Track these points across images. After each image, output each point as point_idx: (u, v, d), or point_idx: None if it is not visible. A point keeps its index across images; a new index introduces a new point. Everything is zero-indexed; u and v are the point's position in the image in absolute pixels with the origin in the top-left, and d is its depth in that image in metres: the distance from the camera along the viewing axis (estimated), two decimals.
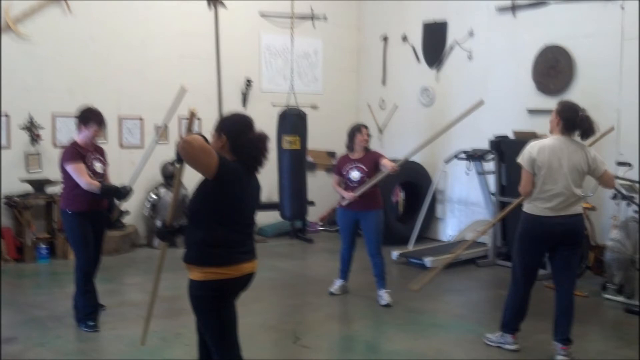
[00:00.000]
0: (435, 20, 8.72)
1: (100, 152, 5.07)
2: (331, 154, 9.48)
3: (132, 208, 7.68)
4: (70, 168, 4.76)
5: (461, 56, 8.38)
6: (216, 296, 3.00)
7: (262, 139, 3.10)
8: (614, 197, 5.96)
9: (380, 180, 5.66)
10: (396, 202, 8.82)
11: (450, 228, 8.64)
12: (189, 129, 2.96)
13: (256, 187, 3.20)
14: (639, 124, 6.39)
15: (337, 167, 5.96)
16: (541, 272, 4.83)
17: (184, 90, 4.99)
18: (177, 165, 3.07)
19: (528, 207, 4.36)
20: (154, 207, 8.12)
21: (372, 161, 5.71)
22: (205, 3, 8.64)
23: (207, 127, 3.76)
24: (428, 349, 4.62)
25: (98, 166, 4.95)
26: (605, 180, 4.41)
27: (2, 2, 7.22)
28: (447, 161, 7.76)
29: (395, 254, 7.34)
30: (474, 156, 7.40)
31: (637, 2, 6.43)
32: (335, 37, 9.71)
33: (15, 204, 7.16)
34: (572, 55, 7.06)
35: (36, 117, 7.44)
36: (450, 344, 4.78)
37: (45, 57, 7.51)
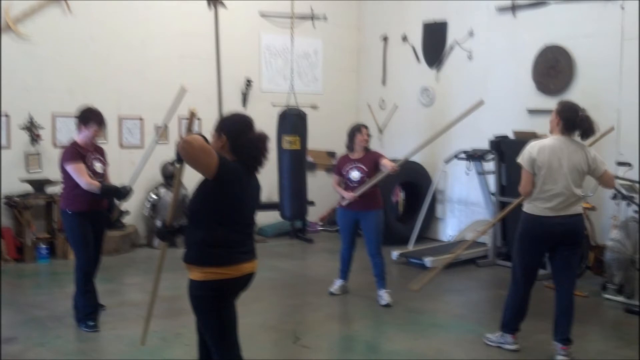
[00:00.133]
0: (435, 20, 8.72)
1: (100, 152, 5.07)
2: (331, 154, 9.48)
3: (132, 208, 7.68)
4: (70, 168, 4.76)
5: (461, 56, 8.38)
6: (216, 296, 3.00)
7: (262, 139, 3.10)
8: (614, 197, 5.96)
9: (380, 180, 5.66)
10: (396, 202, 8.82)
11: (450, 228, 8.64)
12: (189, 129, 2.96)
13: (256, 187, 3.20)
14: (639, 124, 6.39)
15: (337, 167, 5.96)
16: (541, 272, 4.83)
17: (184, 90, 4.99)
18: (177, 165, 3.07)
19: (528, 207, 4.36)
20: (154, 207, 8.12)
21: (372, 161, 5.71)
22: (205, 3, 8.64)
23: (207, 127, 3.76)
24: (428, 349, 4.62)
25: (98, 166, 4.95)
26: (605, 180, 4.41)
27: (2, 2, 7.22)
28: (447, 161, 7.76)
29: (395, 254, 7.34)
30: (474, 156, 7.40)
31: (637, 2, 6.43)
32: (335, 37, 9.71)
33: (15, 204, 7.16)
34: (572, 55, 7.06)
35: (36, 117, 7.44)
36: (450, 344, 4.78)
37: (45, 57, 7.51)
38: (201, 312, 3.04)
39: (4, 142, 7.30)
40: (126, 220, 7.54)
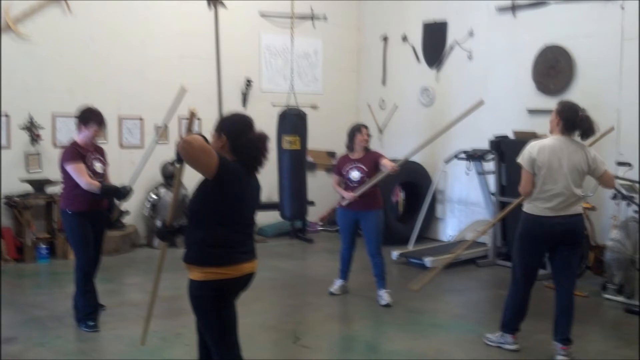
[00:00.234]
0: (435, 20, 8.72)
1: (100, 152, 5.07)
2: (331, 154, 9.48)
3: (132, 208, 7.68)
4: (70, 168, 4.76)
5: (461, 56, 8.38)
6: (216, 296, 3.00)
7: (262, 139, 3.10)
8: (614, 197, 5.96)
9: (380, 180, 5.66)
10: (396, 202, 8.82)
11: (450, 228, 8.64)
12: (189, 129, 2.96)
13: (256, 187, 3.20)
14: (639, 124, 6.39)
15: (337, 167, 5.96)
16: (541, 272, 4.83)
17: (184, 90, 4.99)
18: (177, 165, 3.07)
19: (528, 207, 4.36)
20: (154, 207, 8.12)
21: (372, 161, 5.71)
22: (205, 3, 8.64)
23: (207, 127, 3.76)
24: (428, 349, 4.62)
25: (98, 166, 4.95)
26: (605, 180, 4.41)
27: (2, 2, 7.22)
28: (447, 161, 7.76)
29: (395, 254, 7.34)
30: (474, 156, 7.40)
31: (637, 2, 6.43)
32: (335, 37, 9.71)
33: (15, 204, 7.16)
34: (572, 55, 7.06)
35: (36, 117, 7.44)
36: (450, 344, 4.78)
37: (45, 57, 7.51)
38: (201, 312, 3.04)
39: (4, 142, 7.30)
40: (126, 220, 7.54)
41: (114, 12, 7.89)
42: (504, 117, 7.59)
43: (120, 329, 4.91)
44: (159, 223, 7.93)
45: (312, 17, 9.42)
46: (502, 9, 7.80)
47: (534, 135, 6.35)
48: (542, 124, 5.86)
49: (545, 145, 4.28)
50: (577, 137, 4.32)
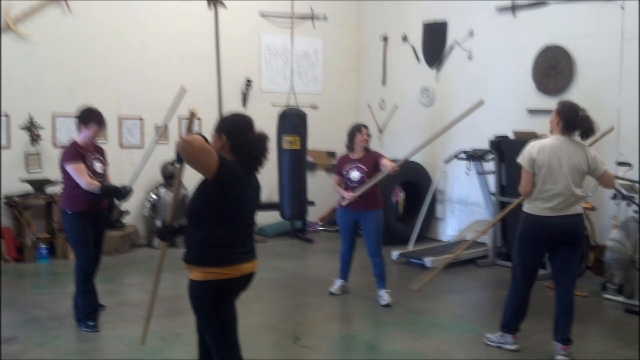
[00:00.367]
0: (435, 20, 8.72)
1: (100, 152, 5.07)
2: (331, 154, 9.48)
3: (132, 208, 7.67)
4: (70, 168, 4.76)
5: (461, 56, 8.38)
6: (216, 296, 3.00)
7: (262, 139, 3.10)
8: (614, 197, 5.96)
9: (380, 180, 5.66)
10: (396, 202, 8.82)
11: (450, 228, 8.64)
12: (189, 129, 2.96)
13: (256, 187, 3.20)
14: (639, 124, 6.39)
15: (337, 167, 5.96)
16: (541, 272, 4.83)
17: (184, 90, 4.99)
18: (177, 165, 3.07)
19: (528, 207, 4.36)
20: (154, 207, 8.11)
21: (372, 161, 5.71)
22: (205, 3, 8.64)
23: (207, 127, 3.76)
24: (428, 349, 4.62)
25: (98, 166, 4.95)
26: (605, 180, 4.41)
27: (2, 2, 7.22)
28: (447, 161, 7.76)
29: (395, 254, 7.34)
30: (474, 156, 7.40)
31: (637, 2, 6.44)
32: (335, 37, 9.71)
33: (15, 204, 7.16)
34: (572, 55, 7.06)
35: (36, 117, 7.44)
36: (450, 344, 4.78)
37: (45, 57, 7.51)
38: (201, 312, 3.04)
39: (4, 142, 7.30)
40: (126, 220, 7.53)
41: (114, 12, 7.89)
42: (504, 117, 7.59)
43: (120, 329, 4.91)
44: (159, 223, 7.92)
45: (312, 17, 9.42)
46: (502, 9, 7.80)
47: (534, 135, 6.35)
48: (542, 124, 5.86)
49: (545, 145, 4.28)
50: (577, 137, 4.32)
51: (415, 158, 7.07)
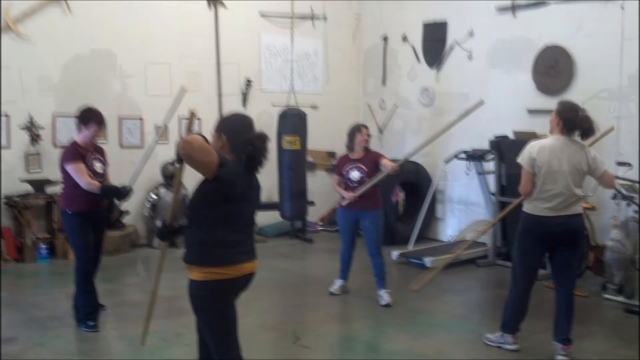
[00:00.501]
0: (435, 20, 8.72)
1: (100, 152, 5.07)
2: (331, 154, 9.48)
3: (132, 208, 7.67)
4: (70, 168, 4.76)
5: (461, 56, 8.38)
6: (216, 296, 3.00)
7: (262, 139, 3.10)
8: (614, 197, 5.96)
9: (380, 180, 5.66)
10: (396, 202, 8.82)
11: (450, 228, 8.64)
12: (189, 129, 2.96)
13: (256, 187, 3.20)
14: (639, 124, 6.39)
15: (337, 167, 5.96)
16: (541, 272, 4.83)
17: (184, 90, 4.99)
18: (177, 165, 3.07)
19: (528, 207, 4.36)
20: (154, 207, 8.11)
21: (372, 161, 5.71)
22: (205, 3, 8.64)
23: (207, 127, 3.76)
24: (428, 349, 4.62)
25: (98, 166, 4.94)
26: (605, 180, 4.41)
27: (2, 2, 7.22)
28: (447, 161, 7.75)
29: (395, 254, 7.34)
30: (474, 156, 7.40)
31: (637, 2, 6.43)
32: (335, 37, 9.70)
33: (15, 204, 7.16)
34: (572, 55, 7.06)
35: (36, 117, 7.44)
36: (450, 344, 4.77)
37: (45, 57, 7.51)
38: (201, 312, 3.04)
39: (4, 142, 7.30)
40: (126, 220, 7.54)
41: (114, 12, 7.88)
42: (504, 117, 7.59)
43: (120, 329, 4.91)
44: (159, 223, 7.92)
45: (312, 17, 9.42)
46: (502, 9, 7.80)
47: (534, 135, 6.35)
48: (542, 124, 5.87)
49: (545, 145, 4.28)
50: (577, 137, 4.32)
51: (415, 158, 7.08)
